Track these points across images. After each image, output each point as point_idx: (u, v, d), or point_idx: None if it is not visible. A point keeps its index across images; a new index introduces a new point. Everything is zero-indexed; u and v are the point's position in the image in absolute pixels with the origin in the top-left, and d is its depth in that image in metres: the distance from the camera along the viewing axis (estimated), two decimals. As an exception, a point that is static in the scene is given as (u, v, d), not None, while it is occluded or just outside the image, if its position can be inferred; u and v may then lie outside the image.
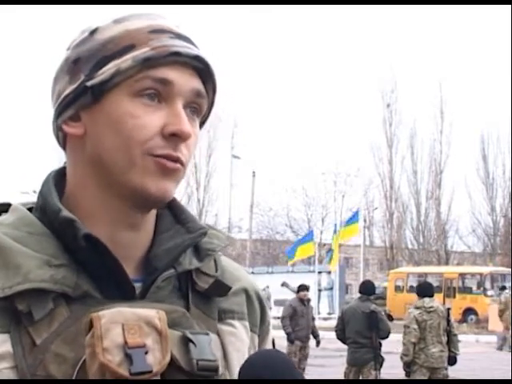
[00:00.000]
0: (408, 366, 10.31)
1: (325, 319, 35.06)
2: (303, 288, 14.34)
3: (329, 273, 37.65)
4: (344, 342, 10.98)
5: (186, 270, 1.24)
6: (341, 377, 11.12)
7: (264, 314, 1.36)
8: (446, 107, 52.14)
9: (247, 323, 1.31)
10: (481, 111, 69.26)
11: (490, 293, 35.27)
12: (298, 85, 78.54)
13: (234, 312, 1.29)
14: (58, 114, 1.23)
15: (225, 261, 1.33)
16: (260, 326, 1.35)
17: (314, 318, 14.39)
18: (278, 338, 1.51)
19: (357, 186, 52.37)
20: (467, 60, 75.16)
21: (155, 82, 1.18)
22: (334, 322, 12.86)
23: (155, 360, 1.08)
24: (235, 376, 1.23)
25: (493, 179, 51.46)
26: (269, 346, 1.37)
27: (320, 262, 36.82)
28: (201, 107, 1.24)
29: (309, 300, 14.43)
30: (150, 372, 1.07)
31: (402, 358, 10.31)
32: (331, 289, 37.48)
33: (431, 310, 10.25)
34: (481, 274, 37.10)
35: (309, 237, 35.81)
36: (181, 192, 50.82)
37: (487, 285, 36.47)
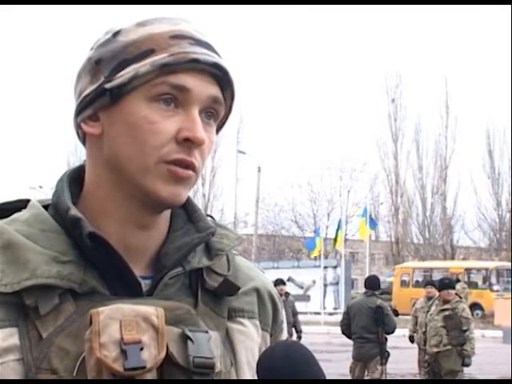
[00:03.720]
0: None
1: (330, 314, 35.08)
2: (279, 282, 13.69)
3: (335, 267, 37.66)
4: (349, 337, 10.98)
5: (194, 268, 1.26)
6: (346, 372, 11.14)
7: (276, 313, 1.38)
8: (452, 102, 52.09)
9: (258, 322, 1.33)
10: (486, 106, 69.11)
11: (495, 287, 35.25)
12: (303, 80, 78.49)
13: (245, 311, 1.31)
14: (78, 112, 1.25)
15: (239, 260, 1.35)
16: (272, 325, 1.36)
17: (296, 313, 13.79)
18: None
19: (362, 180, 52.41)
20: (472, 54, 75.08)
21: (172, 87, 1.20)
22: (339, 317, 12.73)
23: (150, 356, 1.10)
24: (242, 373, 1.27)
25: (498, 174, 51.31)
26: None
27: (326, 256, 36.78)
28: (217, 112, 1.25)
29: (287, 294, 13.82)
30: (144, 368, 1.10)
31: (472, 354, 10.46)
32: (337, 284, 37.47)
33: None
34: (486, 269, 37.04)
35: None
36: (186, 187, 50.63)
37: (493, 280, 36.42)
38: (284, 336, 1.39)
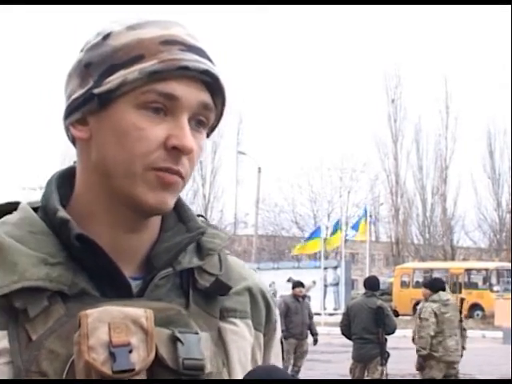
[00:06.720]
0: (424, 360, 10.30)
1: (331, 315, 35.09)
2: (298, 284, 13.92)
3: (335, 268, 37.67)
4: (349, 338, 10.98)
5: (184, 268, 1.26)
6: (347, 372, 11.14)
7: (270, 312, 1.36)
8: (452, 102, 52.10)
9: (250, 322, 1.32)
10: (487, 106, 69.20)
11: (495, 288, 35.26)
12: (303, 80, 78.53)
13: (237, 311, 1.31)
14: (67, 115, 1.24)
15: (231, 260, 1.34)
16: (266, 325, 1.35)
17: (311, 316, 13.78)
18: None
19: (362, 181, 52.44)
20: (472, 54, 75.08)
21: (161, 96, 1.19)
22: (340, 318, 12.69)
23: (139, 358, 1.10)
24: (235, 373, 1.26)
25: (499, 174, 51.33)
26: (276, 344, 1.38)
27: (326, 257, 36.78)
28: (208, 119, 1.24)
29: (304, 296, 13.95)
30: (133, 370, 1.09)
31: (418, 351, 10.26)
32: (337, 284, 37.49)
33: (448, 303, 10.37)
34: (487, 270, 37.05)
35: (316, 233, 35.94)
36: (186, 188, 50.84)
37: (493, 280, 36.43)
38: (278, 335, 1.38)
